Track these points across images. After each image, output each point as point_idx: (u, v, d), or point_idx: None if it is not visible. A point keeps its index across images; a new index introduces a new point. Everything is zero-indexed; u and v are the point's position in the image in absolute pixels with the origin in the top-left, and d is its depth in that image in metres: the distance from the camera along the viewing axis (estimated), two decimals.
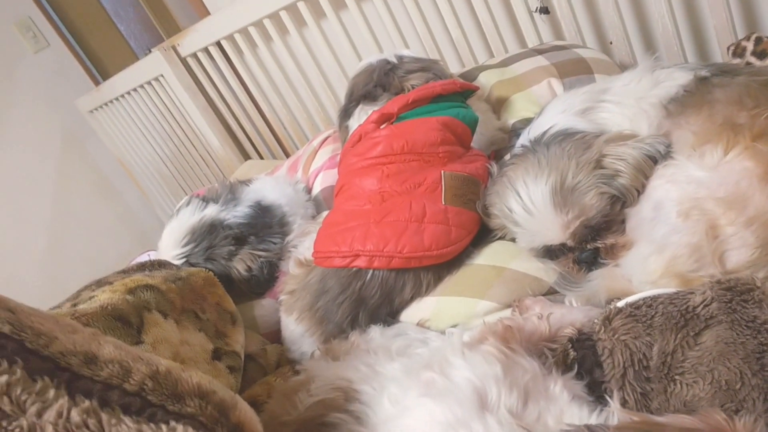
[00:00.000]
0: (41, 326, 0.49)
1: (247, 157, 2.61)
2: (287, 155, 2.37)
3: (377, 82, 1.24)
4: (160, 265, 1.15)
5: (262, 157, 2.59)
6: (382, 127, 1.10)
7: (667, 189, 0.85)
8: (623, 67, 1.34)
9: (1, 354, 0.46)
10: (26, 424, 0.43)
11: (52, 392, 0.46)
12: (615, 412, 0.58)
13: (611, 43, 1.45)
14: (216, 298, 1.10)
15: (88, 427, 0.45)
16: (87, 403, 0.46)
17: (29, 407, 0.44)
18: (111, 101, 2.90)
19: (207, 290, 1.09)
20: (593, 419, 0.58)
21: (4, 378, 0.45)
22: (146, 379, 0.50)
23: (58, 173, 3.24)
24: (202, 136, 2.62)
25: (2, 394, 0.44)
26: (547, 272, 0.94)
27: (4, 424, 0.43)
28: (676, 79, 0.94)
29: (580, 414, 0.59)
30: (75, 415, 0.45)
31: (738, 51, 1.16)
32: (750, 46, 1.14)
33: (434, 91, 1.11)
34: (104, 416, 0.46)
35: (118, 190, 3.46)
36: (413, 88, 1.18)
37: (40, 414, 0.44)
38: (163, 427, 0.47)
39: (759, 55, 1.13)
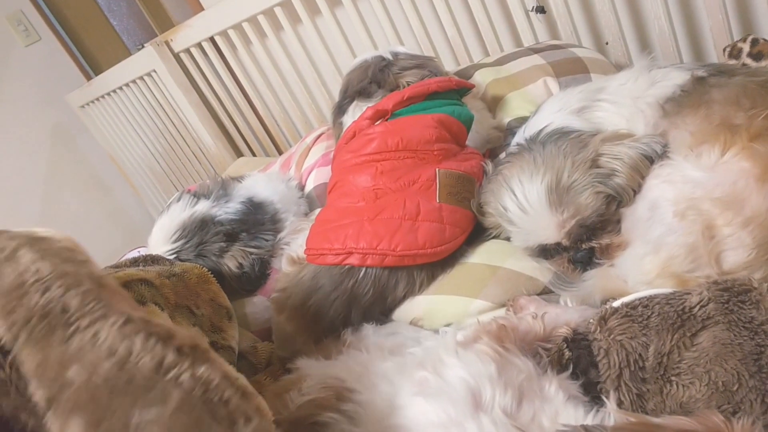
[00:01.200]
0: (117, 300, 0.58)
1: (239, 154, 2.60)
2: (280, 153, 2.35)
3: (372, 79, 1.23)
4: (154, 260, 1.13)
5: (254, 155, 2.57)
6: (376, 123, 1.09)
7: (663, 189, 0.84)
8: (619, 68, 1.34)
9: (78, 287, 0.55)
10: (88, 320, 0.52)
11: (113, 310, 0.55)
12: (611, 413, 0.58)
13: (607, 43, 1.45)
14: (210, 294, 1.09)
15: (131, 340, 0.52)
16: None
17: (96, 311, 0.53)
18: (103, 96, 2.87)
19: (201, 287, 1.07)
20: (589, 420, 0.57)
21: (84, 288, 0.54)
22: (186, 346, 0.56)
23: (48, 169, 3.21)
24: (195, 133, 2.59)
25: (76, 295, 0.54)
26: (542, 272, 0.93)
27: (67, 316, 0.52)
28: (673, 78, 0.94)
29: (576, 415, 0.58)
30: (128, 328, 0.53)
31: (734, 52, 1.16)
32: (746, 47, 1.14)
33: (429, 88, 1.10)
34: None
35: (109, 187, 3.43)
36: (408, 85, 1.17)
37: (104, 316, 0.53)
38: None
39: (755, 56, 1.13)
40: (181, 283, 1.03)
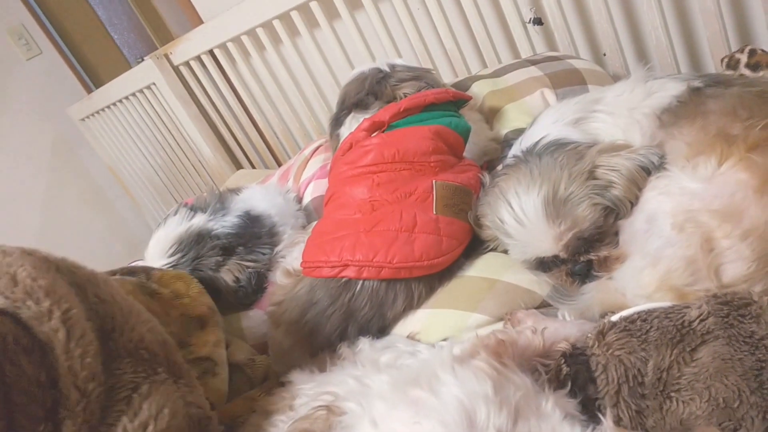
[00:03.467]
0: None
1: (239, 166, 2.60)
2: (279, 165, 2.35)
3: (369, 91, 1.22)
4: (131, 272, 1.10)
5: (254, 167, 2.57)
6: (373, 135, 1.08)
7: (660, 201, 0.83)
8: (617, 79, 1.33)
9: None
10: None
11: None
12: (608, 431, 0.56)
13: (605, 54, 1.45)
14: (181, 309, 1.05)
15: None
16: None
17: None
18: (103, 109, 2.88)
19: (171, 304, 1.04)
20: None
21: None
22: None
23: (48, 181, 3.21)
24: (194, 145, 2.60)
25: None
26: (539, 285, 0.92)
27: None
28: (669, 89, 0.93)
29: None
30: None
31: (732, 63, 1.16)
32: (744, 58, 1.14)
33: (426, 100, 1.09)
34: None
35: (110, 199, 3.43)
36: (405, 96, 1.17)
37: None
38: None
39: (753, 67, 1.12)
40: (154, 302, 1.01)
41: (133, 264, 1.18)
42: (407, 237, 0.94)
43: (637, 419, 0.64)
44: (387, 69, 1.25)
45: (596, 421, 0.61)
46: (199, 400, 0.70)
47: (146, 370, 0.65)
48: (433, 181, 1.00)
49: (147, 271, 1.10)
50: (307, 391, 0.71)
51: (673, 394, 0.64)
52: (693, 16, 1.33)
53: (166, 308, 1.02)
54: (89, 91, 3.21)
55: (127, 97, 2.68)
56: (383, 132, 1.08)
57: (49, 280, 0.60)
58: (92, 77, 3.33)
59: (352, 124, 1.22)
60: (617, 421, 0.62)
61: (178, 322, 1.02)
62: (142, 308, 0.75)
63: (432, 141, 1.04)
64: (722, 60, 1.19)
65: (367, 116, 1.16)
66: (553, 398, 0.62)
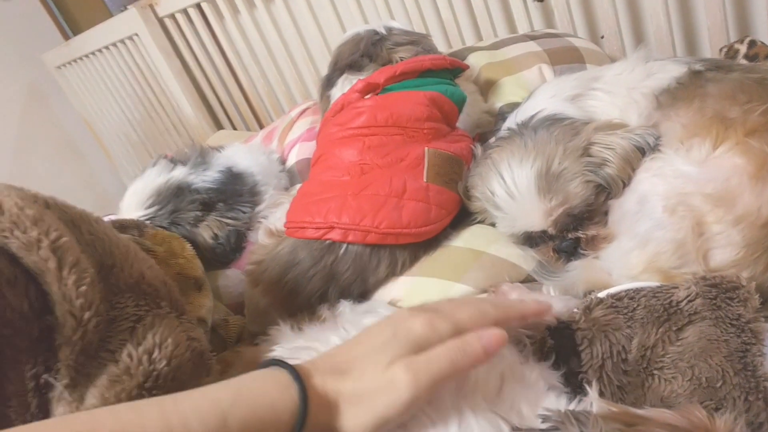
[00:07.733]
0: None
1: (219, 126, 2.53)
2: (262, 127, 2.30)
3: (364, 52, 1.19)
4: (122, 227, 1.06)
5: (235, 128, 2.51)
6: (366, 97, 1.05)
7: (653, 182, 0.83)
8: (614, 62, 1.32)
9: None
10: None
11: None
12: (593, 402, 0.56)
13: (602, 37, 1.43)
14: (177, 268, 1.02)
15: None
16: None
17: None
18: (81, 58, 2.77)
19: (167, 263, 1.01)
20: (572, 408, 0.55)
21: None
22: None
23: (19, 130, 3.09)
24: (175, 102, 2.52)
25: None
26: (525, 259, 0.91)
27: None
28: (670, 71, 0.92)
29: (558, 403, 0.56)
30: None
31: (731, 53, 1.15)
32: (743, 49, 1.14)
33: (423, 65, 1.06)
34: None
35: (83, 152, 3.32)
36: (401, 60, 1.14)
37: None
38: None
39: (751, 58, 1.12)
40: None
41: (118, 218, 1.13)
42: (396, 203, 0.92)
43: (618, 394, 0.64)
44: (383, 31, 1.22)
45: (578, 394, 0.60)
46: (201, 337, 0.70)
47: (149, 304, 0.65)
48: (426, 149, 0.98)
49: (139, 227, 1.06)
50: (286, 346, 0.69)
51: (655, 371, 0.64)
52: (695, 4, 1.33)
53: (162, 266, 0.98)
54: (67, 38, 3.08)
55: (107, 47, 2.58)
56: (377, 94, 1.05)
57: (36, 210, 0.57)
58: (70, 24, 3.19)
59: (345, 85, 1.19)
60: (599, 395, 0.62)
61: (175, 281, 0.99)
62: (138, 248, 0.73)
63: (427, 107, 1.01)
64: (721, 50, 1.19)
65: (360, 78, 1.13)
66: (537, 369, 0.61)
